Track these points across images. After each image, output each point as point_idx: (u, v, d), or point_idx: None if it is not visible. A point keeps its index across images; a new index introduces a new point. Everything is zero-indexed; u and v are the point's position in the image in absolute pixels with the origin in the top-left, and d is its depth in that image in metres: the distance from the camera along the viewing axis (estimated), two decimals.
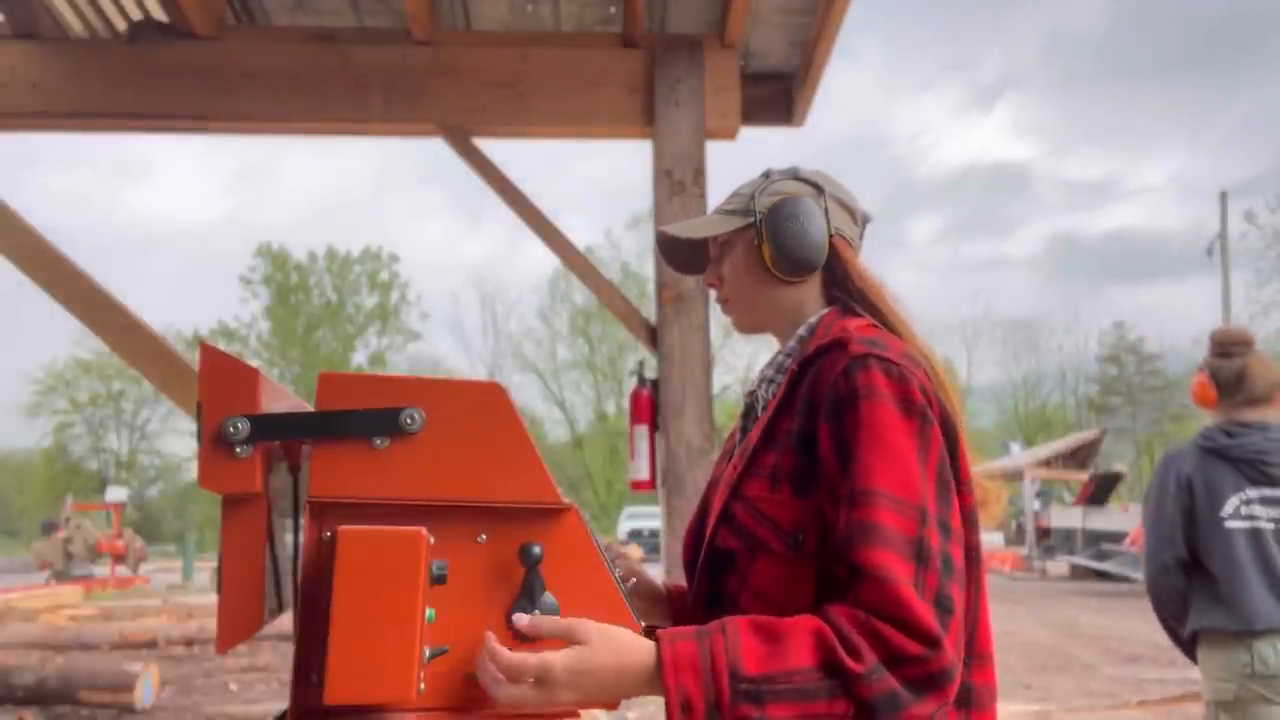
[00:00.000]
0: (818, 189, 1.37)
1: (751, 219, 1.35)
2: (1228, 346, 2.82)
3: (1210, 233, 25.39)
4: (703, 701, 1.03)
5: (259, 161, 61.55)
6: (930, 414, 1.16)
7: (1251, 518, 2.74)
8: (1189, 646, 2.82)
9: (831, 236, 1.34)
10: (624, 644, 1.07)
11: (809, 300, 1.37)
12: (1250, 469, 2.74)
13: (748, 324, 1.42)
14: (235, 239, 55.73)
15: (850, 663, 1.03)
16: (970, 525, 1.20)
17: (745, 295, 1.39)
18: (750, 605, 1.19)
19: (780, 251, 1.32)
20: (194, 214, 56.57)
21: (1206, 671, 2.75)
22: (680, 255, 1.48)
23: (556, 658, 1.04)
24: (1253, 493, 2.74)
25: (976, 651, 1.21)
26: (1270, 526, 2.73)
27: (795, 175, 1.39)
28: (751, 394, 1.40)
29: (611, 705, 1.10)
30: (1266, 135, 56.03)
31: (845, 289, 1.35)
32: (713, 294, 1.44)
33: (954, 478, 1.19)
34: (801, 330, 1.35)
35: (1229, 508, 2.74)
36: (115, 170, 60.47)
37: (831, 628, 1.07)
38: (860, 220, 1.41)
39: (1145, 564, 2.87)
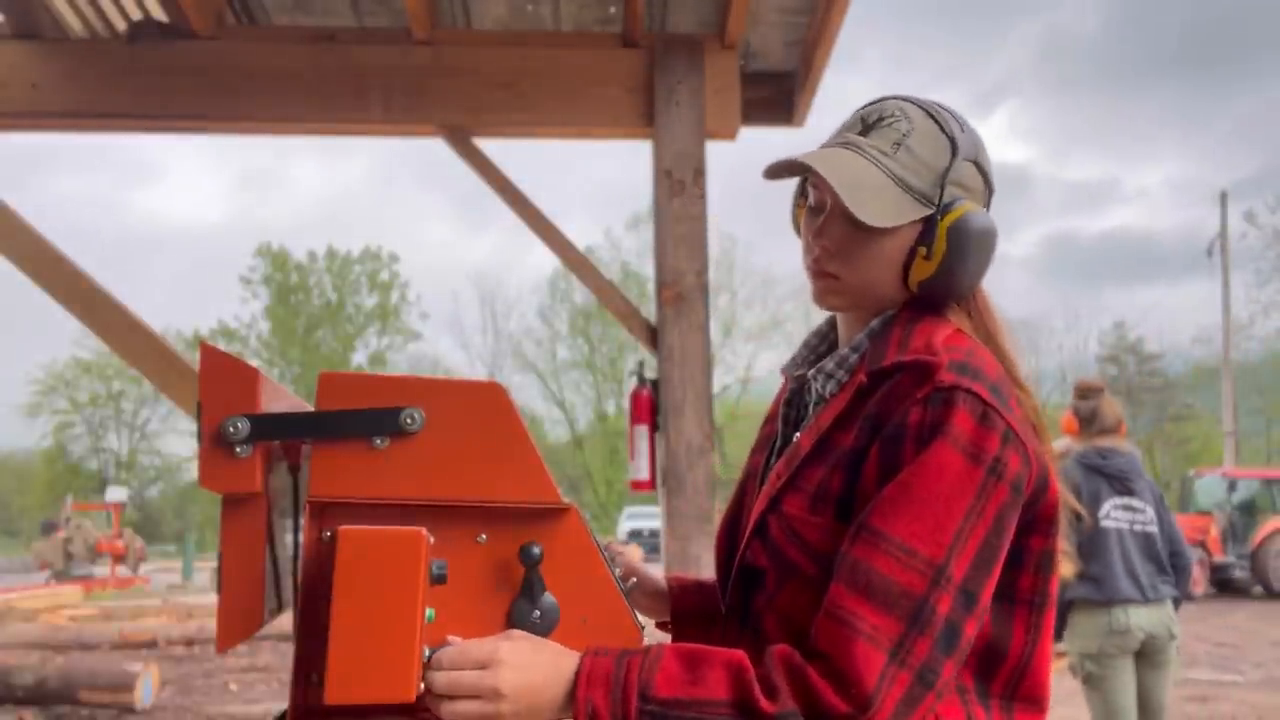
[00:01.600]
0: (989, 190, 1.17)
1: (931, 211, 1.12)
2: (1085, 391, 3.89)
3: (1207, 234, 25.40)
4: (609, 717, 0.99)
5: (267, 165, 61.70)
6: (1005, 469, 1.03)
7: (1116, 520, 3.73)
8: (1061, 614, 3.70)
9: None
10: (557, 649, 1.05)
11: (902, 297, 1.17)
12: (1118, 483, 3.75)
13: (836, 305, 1.20)
14: (243, 242, 55.94)
15: (763, 702, 0.98)
16: (1048, 569, 1.10)
17: (865, 287, 1.16)
18: (775, 626, 1.12)
19: (943, 281, 1.12)
20: (203, 217, 56.82)
21: (1076, 632, 3.72)
22: (786, 166, 1.17)
23: (502, 641, 1.03)
24: (1118, 500, 3.74)
25: (1026, 694, 1.12)
26: (1127, 526, 3.73)
27: (976, 161, 1.15)
28: (800, 377, 1.25)
29: None
30: (1258, 139, 56.32)
31: (968, 310, 1.18)
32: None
33: (1035, 522, 1.08)
34: (875, 323, 1.17)
35: (1103, 510, 3.72)
36: (126, 174, 60.71)
37: (755, 664, 1.01)
38: None
39: None
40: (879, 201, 1.10)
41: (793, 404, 1.27)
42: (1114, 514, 3.74)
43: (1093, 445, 3.80)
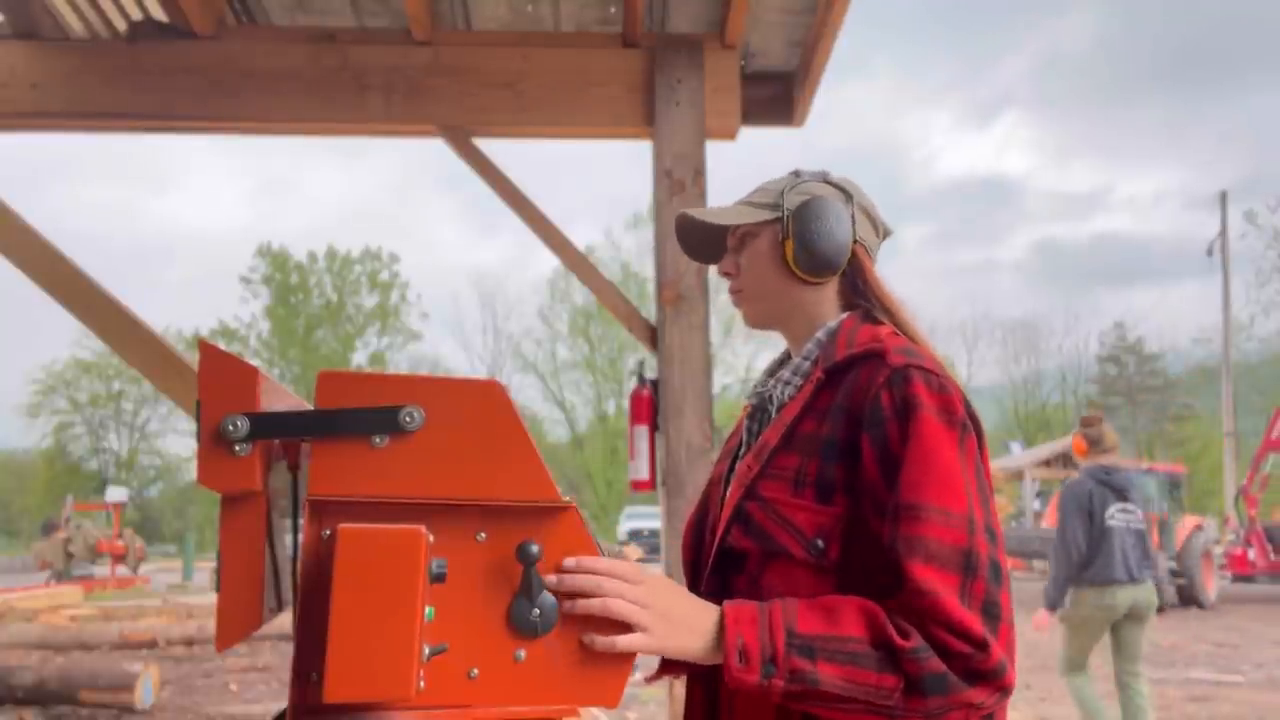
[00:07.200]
0: (846, 195, 1.37)
1: (778, 214, 1.35)
2: (1089, 420, 5.30)
3: (1198, 238, 25.40)
4: (759, 652, 1.09)
5: (284, 173, 61.65)
6: (969, 423, 1.19)
7: (1117, 520, 5.05)
8: (1063, 590, 5.09)
9: (855, 243, 1.34)
10: (693, 596, 1.17)
11: (825, 303, 1.36)
12: (1118, 492, 5.11)
13: (758, 318, 1.41)
14: (256, 246, 56.08)
15: (898, 639, 1.08)
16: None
17: (761, 289, 1.38)
18: None
19: (803, 250, 1.32)
20: (220, 223, 56.89)
21: (1076, 603, 5.08)
22: (696, 242, 1.47)
23: (650, 570, 1.14)
24: (1117, 505, 5.08)
25: None
26: (1124, 525, 5.06)
27: (826, 179, 1.39)
28: (761, 393, 1.39)
29: (610, 703, 1.10)
30: (1244, 149, 57.11)
31: (864, 296, 1.36)
32: (725, 283, 1.42)
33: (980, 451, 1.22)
34: (820, 334, 1.34)
35: (1109, 513, 5.06)
36: (145, 181, 60.82)
37: (883, 609, 1.11)
38: (882, 233, 1.41)
39: (1068, 543, 5.05)
40: (735, 214, 1.37)
41: (755, 417, 1.41)
42: (1116, 515, 5.05)
43: (1098, 463, 5.13)
